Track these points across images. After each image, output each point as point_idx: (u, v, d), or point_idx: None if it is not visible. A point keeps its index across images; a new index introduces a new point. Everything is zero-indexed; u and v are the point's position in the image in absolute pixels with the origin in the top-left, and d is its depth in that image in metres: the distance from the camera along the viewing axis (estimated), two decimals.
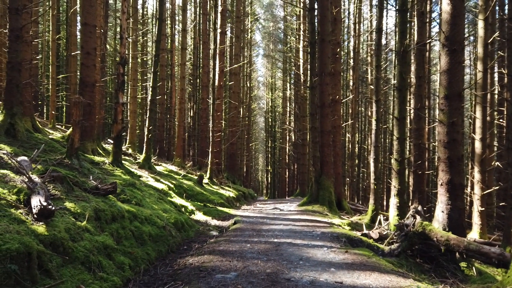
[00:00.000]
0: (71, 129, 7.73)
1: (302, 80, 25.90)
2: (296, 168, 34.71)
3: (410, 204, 12.94)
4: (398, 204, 9.17)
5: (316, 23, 13.45)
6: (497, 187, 13.55)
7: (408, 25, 11.11)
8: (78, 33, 22.10)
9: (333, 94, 14.80)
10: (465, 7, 7.13)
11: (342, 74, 24.22)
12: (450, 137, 6.77)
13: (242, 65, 31.00)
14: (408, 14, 10.34)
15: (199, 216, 9.55)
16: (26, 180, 4.11)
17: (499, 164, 13.11)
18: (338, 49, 16.28)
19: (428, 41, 16.67)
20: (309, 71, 13.53)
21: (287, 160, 40.79)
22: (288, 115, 39.99)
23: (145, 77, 27.30)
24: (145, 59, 28.13)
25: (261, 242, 5.92)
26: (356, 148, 31.26)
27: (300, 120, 27.69)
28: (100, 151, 11.75)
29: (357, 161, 31.17)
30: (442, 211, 6.70)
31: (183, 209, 9.15)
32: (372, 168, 11.72)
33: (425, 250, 5.80)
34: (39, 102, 22.70)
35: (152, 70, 14.15)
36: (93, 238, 4.06)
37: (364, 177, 30.90)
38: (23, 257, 2.92)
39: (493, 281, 5.04)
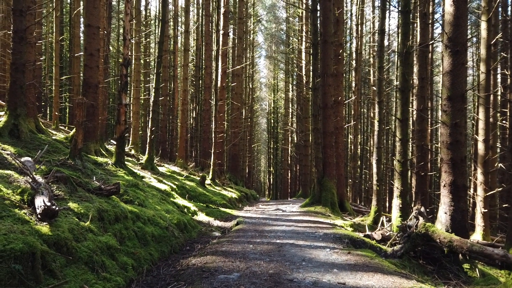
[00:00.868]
0: (74, 130, 7.77)
1: (304, 81, 25.91)
2: (298, 169, 34.69)
3: (412, 205, 12.90)
4: (400, 206, 9.15)
5: (318, 25, 13.46)
6: (500, 189, 13.49)
7: (410, 26, 11.10)
8: (81, 35, 22.23)
9: (335, 95, 14.80)
10: (468, 8, 7.12)
11: (344, 75, 24.22)
12: (453, 138, 6.76)
13: (245, 67, 31.03)
14: (411, 15, 10.33)
15: (201, 217, 9.57)
16: (30, 180, 4.13)
17: (502, 166, 13.07)
18: (341, 51, 16.27)
19: (431, 42, 16.65)
20: (311, 72, 13.53)
21: (289, 161, 40.78)
22: (290, 116, 39.99)
23: (148, 78, 27.37)
24: (148, 60, 28.21)
25: (263, 243, 5.92)
26: (359, 150, 31.21)
27: (302, 121, 27.69)
28: (103, 152, 11.78)
29: (359, 162, 31.12)
30: (445, 213, 6.69)
31: (185, 210, 9.17)
32: (374, 170, 11.71)
33: (428, 251, 5.78)
34: (43, 103, 22.78)
35: (155, 71, 14.19)
36: (96, 238, 4.08)
37: (367, 178, 30.86)
38: (27, 257, 2.93)
39: (496, 283, 5.03)
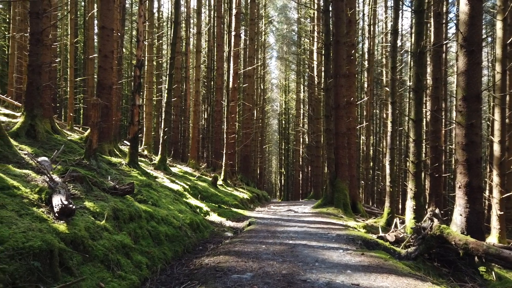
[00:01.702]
0: (89, 131, 7.88)
1: (316, 82, 25.82)
2: (310, 170, 34.57)
3: (426, 207, 12.75)
4: (414, 207, 9.05)
5: (330, 25, 13.41)
6: None
7: (424, 26, 10.99)
8: (95, 37, 22.55)
9: (347, 96, 14.71)
10: (483, 7, 7.02)
11: (356, 76, 24.06)
12: (468, 139, 6.67)
13: (256, 67, 31.09)
14: (425, 15, 10.22)
15: (213, 217, 9.61)
16: (48, 179, 4.21)
17: None
18: (353, 51, 16.18)
19: (445, 42, 16.44)
20: (323, 73, 13.49)
21: (300, 162, 40.67)
22: (301, 117, 39.90)
23: (160, 80, 27.62)
24: (160, 62, 28.46)
25: (276, 244, 5.92)
26: (371, 151, 30.97)
27: (314, 122, 27.59)
28: (116, 152, 11.93)
29: (371, 163, 30.87)
30: (460, 214, 6.59)
31: (198, 210, 9.22)
32: (387, 171, 11.60)
33: (443, 253, 5.71)
34: (58, 104, 23.17)
35: (167, 73, 14.33)
36: (111, 237, 4.14)
37: (379, 179, 30.58)
38: (45, 255, 2.99)
39: None
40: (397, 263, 4.89)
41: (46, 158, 5.44)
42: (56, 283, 3.00)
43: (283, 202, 25.14)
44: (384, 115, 28.95)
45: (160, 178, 11.16)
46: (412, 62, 15.75)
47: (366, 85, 27.21)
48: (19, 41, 17.37)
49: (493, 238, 11.47)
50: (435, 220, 5.95)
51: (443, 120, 18.01)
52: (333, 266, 4.46)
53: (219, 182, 16.12)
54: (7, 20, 23.00)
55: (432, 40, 14.01)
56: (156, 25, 27.17)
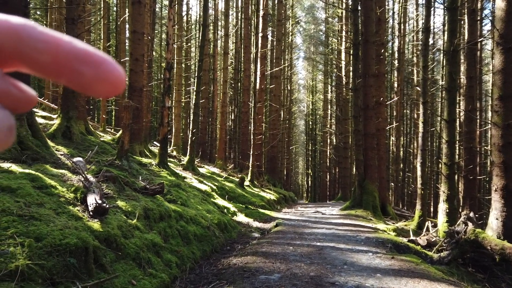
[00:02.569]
0: (121, 132, 8.12)
1: (344, 82, 25.48)
2: (338, 171, 34.12)
3: (460, 210, 12.32)
4: (447, 210, 8.76)
5: (359, 24, 13.22)
6: None
7: (457, 23, 10.63)
8: (126, 41, 23.19)
9: (377, 96, 14.44)
10: None
11: (386, 75, 23.57)
12: (505, 140, 6.40)
13: (283, 68, 31.01)
14: (458, 12, 9.89)
15: (241, 217, 9.67)
16: (83, 179, 4.38)
17: None
18: (382, 50, 15.87)
19: (480, 39, 15.83)
20: (351, 73, 13.32)
21: (328, 164, 40.21)
22: (329, 118, 39.46)
23: (188, 82, 28.07)
24: (188, 64, 28.94)
25: (303, 245, 5.89)
26: (401, 152, 30.23)
27: (342, 123, 27.24)
28: (147, 153, 12.22)
29: (402, 165, 30.12)
30: (497, 218, 6.33)
31: (225, 211, 9.30)
32: (419, 173, 11.29)
33: (478, 259, 5.51)
34: (91, 107, 24.00)
35: (195, 75, 14.54)
36: (142, 235, 4.25)
37: (410, 181, 29.79)
38: (80, 252, 3.11)
39: None
40: (429, 268, 4.76)
41: (81, 159, 5.65)
42: (91, 279, 3.11)
43: (310, 203, 24.95)
44: (415, 116, 28.21)
45: (189, 178, 11.34)
46: (444, 61, 15.28)
47: (396, 85, 26.60)
48: None
49: None
50: (470, 224, 5.74)
51: (478, 120, 17.34)
52: (362, 269, 4.39)
53: (246, 183, 16.20)
54: (44, 26, 24.00)
55: (466, 37, 13.53)
56: (185, 28, 27.66)
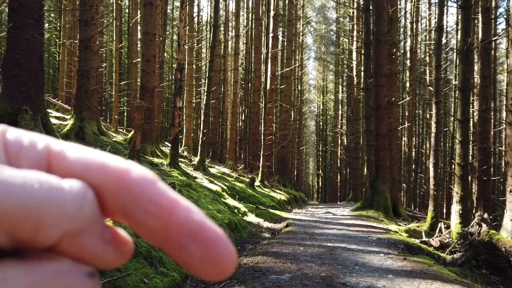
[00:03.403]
0: (132, 132, 8.21)
1: (355, 82, 25.34)
2: (349, 172, 33.93)
3: (474, 211, 12.14)
4: (460, 212, 8.65)
5: (371, 24, 13.12)
6: None
7: (471, 22, 10.48)
8: (138, 42, 23.42)
9: (388, 96, 14.31)
10: None
11: (398, 75, 23.36)
12: None
13: (294, 69, 30.97)
14: (472, 10, 9.74)
15: (251, 217, 9.67)
16: None
17: None
18: (394, 50, 15.73)
19: (494, 38, 15.57)
20: (363, 73, 13.23)
21: (338, 164, 40.00)
22: (340, 118, 39.25)
23: (199, 82, 28.21)
24: (199, 65, 29.08)
25: (314, 246, 5.87)
26: (413, 152, 29.91)
27: (353, 123, 27.07)
28: (158, 153, 12.32)
29: (414, 166, 29.80)
30: (511, 220, 6.22)
31: (236, 211, 9.32)
32: (431, 173, 11.16)
33: (492, 260, 5.42)
34: (104, 107, 24.28)
35: (206, 76, 14.61)
36: None
37: (422, 182, 29.45)
38: None
39: None
40: (442, 269, 4.70)
41: None
42: (104, 277, 3.15)
43: (320, 204, 24.85)
44: (428, 116, 27.89)
45: (199, 178, 11.39)
46: (458, 60, 15.08)
47: (408, 85, 26.35)
48: (69, 47, 18.40)
49: None
50: (484, 225, 5.66)
51: (492, 120, 17.07)
52: (373, 270, 4.36)
53: (257, 183, 16.20)
54: (58, 28, 24.45)
55: (480, 36, 13.32)
56: (196, 29, 27.81)
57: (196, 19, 28.45)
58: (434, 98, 10.95)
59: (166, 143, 18.70)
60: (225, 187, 11.83)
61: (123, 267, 3.44)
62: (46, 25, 26.54)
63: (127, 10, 29.75)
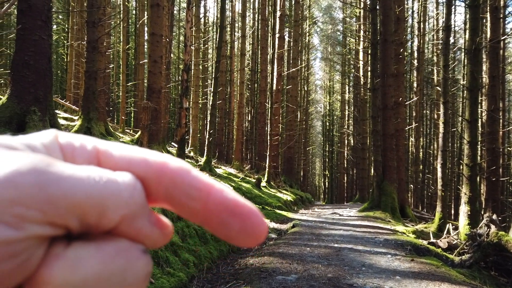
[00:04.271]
0: (139, 133, 8.25)
1: (362, 83, 25.23)
2: (355, 173, 33.77)
3: (482, 212, 12.01)
4: (469, 213, 8.57)
5: (378, 23, 13.06)
6: None
7: (480, 21, 10.38)
8: (145, 43, 23.55)
9: (395, 96, 14.22)
10: None
11: (405, 75, 23.21)
12: None
13: (300, 69, 30.91)
14: (480, 9, 9.66)
15: None
16: None
17: None
18: (401, 50, 15.64)
19: (503, 38, 15.41)
20: (370, 73, 13.17)
21: (345, 165, 39.83)
22: (346, 118, 39.10)
23: (206, 83, 28.29)
24: (206, 65, 29.16)
25: (321, 247, 5.85)
26: (421, 153, 29.68)
27: (360, 123, 26.96)
28: (164, 153, 12.36)
29: (421, 166, 29.58)
30: None
31: None
32: (439, 174, 11.07)
33: (501, 262, 5.36)
34: (111, 108, 24.44)
35: (213, 76, 14.64)
36: None
37: (430, 183, 29.22)
38: None
39: None
40: (450, 271, 4.66)
41: None
42: None
43: (327, 204, 24.77)
44: (435, 116, 27.67)
45: None
46: (466, 60, 14.95)
47: (415, 85, 26.17)
48: (77, 49, 18.56)
49: None
50: (492, 226, 5.60)
51: (501, 120, 16.89)
52: (381, 271, 4.33)
53: (263, 183, 16.19)
54: (66, 29, 24.67)
55: (488, 36, 13.18)
56: (202, 30, 27.89)
57: (202, 20, 28.54)
58: (442, 98, 10.87)
59: (172, 143, 18.76)
60: (231, 188, 11.82)
61: None
62: (54, 26, 26.80)
63: (134, 12, 29.93)
